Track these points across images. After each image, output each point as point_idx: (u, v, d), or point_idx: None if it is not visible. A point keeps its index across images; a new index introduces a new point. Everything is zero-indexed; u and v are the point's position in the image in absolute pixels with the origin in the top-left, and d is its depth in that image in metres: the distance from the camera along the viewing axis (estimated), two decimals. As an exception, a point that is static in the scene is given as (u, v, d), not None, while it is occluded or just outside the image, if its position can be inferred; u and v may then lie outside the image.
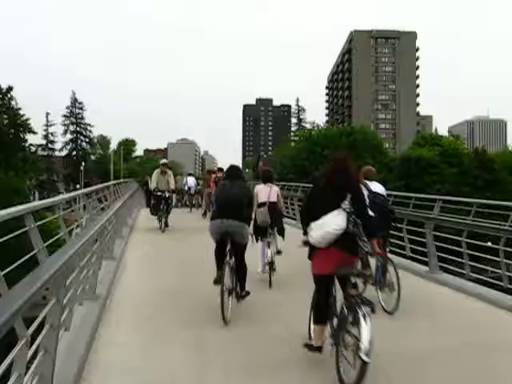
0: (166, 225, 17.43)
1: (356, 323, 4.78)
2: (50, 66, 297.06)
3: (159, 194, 17.22)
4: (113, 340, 6.31)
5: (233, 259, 7.74)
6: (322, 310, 5.50)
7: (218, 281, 7.44)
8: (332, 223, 5.27)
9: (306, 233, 5.57)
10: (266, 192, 10.13)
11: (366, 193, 7.17)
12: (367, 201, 6.45)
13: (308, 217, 5.56)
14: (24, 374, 3.46)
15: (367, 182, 8.32)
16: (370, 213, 6.23)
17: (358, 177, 7.10)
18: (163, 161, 19.17)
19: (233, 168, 8.76)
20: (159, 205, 17.30)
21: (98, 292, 7.87)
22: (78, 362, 5.17)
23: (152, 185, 17.52)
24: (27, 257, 4.64)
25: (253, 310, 7.78)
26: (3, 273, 3.76)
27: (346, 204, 5.34)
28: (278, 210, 10.26)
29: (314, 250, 5.47)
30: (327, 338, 5.45)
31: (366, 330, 4.65)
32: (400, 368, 5.54)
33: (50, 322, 4.18)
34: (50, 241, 5.86)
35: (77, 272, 6.17)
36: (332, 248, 5.30)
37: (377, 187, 8.42)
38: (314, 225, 5.38)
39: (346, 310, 5.08)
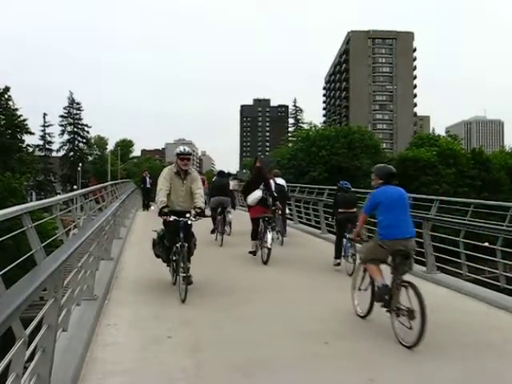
0: (188, 282, 8.28)
1: (265, 233, 11.63)
2: (49, 65, 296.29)
3: (172, 219, 8.64)
4: (111, 340, 6.30)
5: (222, 216, 15.28)
6: (255, 234, 12.27)
7: (216, 229, 15.17)
8: (257, 194, 12.33)
9: (245, 199, 13.23)
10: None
11: (273, 183, 13.73)
12: (273, 186, 13.40)
13: (246, 193, 12.79)
14: (22, 374, 3.45)
15: (275, 178, 15.61)
16: (275, 193, 12.86)
17: (268, 175, 13.72)
18: (182, 149, 9.10)
19: (221, 171, 17.34)
20: (174, 239, 8.82)
21: (96, 292, 7.86)
22: (76, 362, 5.16)
23: (158, 197, 8.80)
24: (25, 257, 4.64)
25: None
26: (1, 273, 3.75)
27: (261, 187, 12.43)
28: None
29: (250, 207, 12.67)
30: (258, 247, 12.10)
31: (269, 236, 11.50)
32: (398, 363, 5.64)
33: (47, 322, 4.18)
34: (48, 241, 5.85)
35: (75, 272, 6.16)
36: (257, 205, 12.35)
37: (280, 181, 16.29)
38: (249, 196, 12.47)
39: (263, 230, 11.83)
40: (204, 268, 9.93)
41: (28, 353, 3.71)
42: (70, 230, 8.65)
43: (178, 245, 8.58)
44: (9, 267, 4.12)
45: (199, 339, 6.47)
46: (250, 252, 12.14)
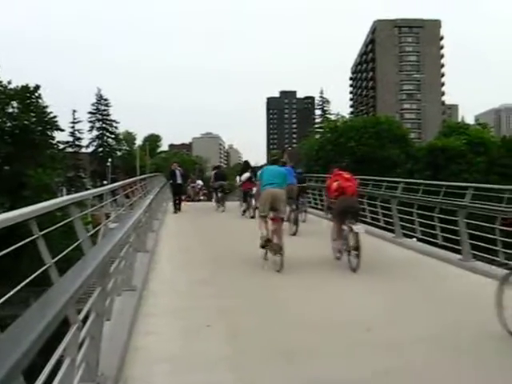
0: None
1: (251, 199, 19.66)
2: (76, 63, 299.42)
3: None
4: (152, 329, 6.42)
5: (221, 194, 24.07)
6: (244, 198, 20.85)
7: (217, 202, 24.40)
8: (246, 175, 20.72)
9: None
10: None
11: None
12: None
13: (240, 175, 21.88)
14: (76, 359, 3.55)
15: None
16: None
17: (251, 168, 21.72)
18: None
19: (219, 165, 29.08)
20: None
21: (135, 283, 8.00)
22: (121, 351, 5.28)
23: None
24: (74, 246, 4.75)
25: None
26: (53, 261, 3.85)
27: (249, 172, 20.62)
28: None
29: (242, 183, 21.06)
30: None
31: (253, 201, 18.47)
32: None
33: (96, 310, 4.29)
34: (93, 231, 5.98)
35: (117, 263, 6.28)
36: (246, 182, 20.41)
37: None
38: (242, 176, 21.17)
39: (249, 198, 20.01)
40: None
41: (80, 340, 3.81)
42: (105, 223, 8.72)
43: None
44: (61, 255, 4.22)
45: (238, 327, 6.56)
46: (243, 213, 20.92)
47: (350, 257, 10.02)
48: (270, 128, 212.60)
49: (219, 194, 24.24)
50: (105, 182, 70.08)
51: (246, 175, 20.81)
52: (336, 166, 12.74)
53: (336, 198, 10.98)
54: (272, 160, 12.99)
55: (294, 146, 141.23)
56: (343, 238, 10.44)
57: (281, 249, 9.85)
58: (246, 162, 23.50)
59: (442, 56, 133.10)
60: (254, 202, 17.79)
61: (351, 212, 10.55)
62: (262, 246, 10.52)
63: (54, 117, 52.96)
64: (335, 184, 11.01)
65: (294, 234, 14.73)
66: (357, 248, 9.78)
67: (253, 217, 18.22)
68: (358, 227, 10.10)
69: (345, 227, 10.39)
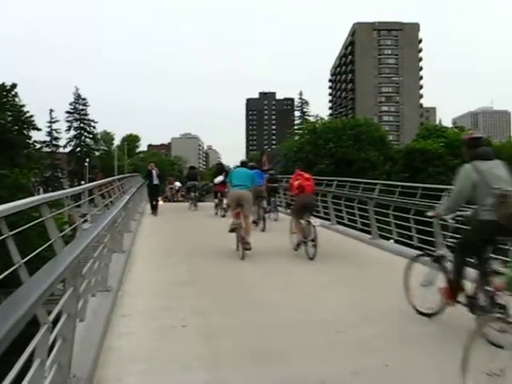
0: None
1: (222, 200, 21.24)
2: (52, 63, 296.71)
3: None
4: (126, 330, 6.38)
5: (196, 193, 25.63)
6: (216, 196, 22.15)
7: (191, 201, 25.40)
8: (219, 178, 21.20)
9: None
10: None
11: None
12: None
13: (214, 177, 22.70)
14: (45, 360, 3.51)
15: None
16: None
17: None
18: None
19: (193, 167, 30.02)
20: None
21: (110, 284, 7.94)
22: (94, 352, 5.23)
23: None
24: (45, 246, 4.69)
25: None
26: (23, 261, 3.80)
27: (223, 175, 20.64)
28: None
29: (215, 185, 21.79)
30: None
31: (224, 200, 19.45)
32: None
33: (67, 311, 4.24)
34: (66, 231, 5.92)
35: (91, 263, 6.23)
36: (219, 184, 20.88)
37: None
38: (216, 179, 21.83)
39: (220, 198, 21.57)
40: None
41: (50, 341, 3.76)
42: (80, 222, 8.65)
43: None
44: (31, 255, 4.17)
45: (213, 328, 6.54)
46: (216, 212, 21.60)
47: (307, 247, 11.35)
48: (250, 129, 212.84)
49: (191, 194, 25.71)
50: (82, 182, 69.53)
51: (220, 178, 21.33)
52: (298, 166, 14.79)
53: (297, 196, 12.40)
54: (240, 163, 13.97)
55: (274, 147, 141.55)
56: (301, 231, 11.66)
57: (248, 243, 11.36)
58: (220, 165, 25.40)
59: (421, 59, 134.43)
60: (225, 201, 18.34)
61: (309, 208, 12.09)
62: (232, 230, 11.76)
63: (31, 116, 52.53)
64: (296, 183, 12.33)
65: (263, 231, 15.97)
66: (314, 239, 11.17)
67: (224, 216, 19.30)
68: (315, 221, 11.64)
69: (302, 221, 11.72)
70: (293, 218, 12.30)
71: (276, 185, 20.60)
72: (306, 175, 12.57)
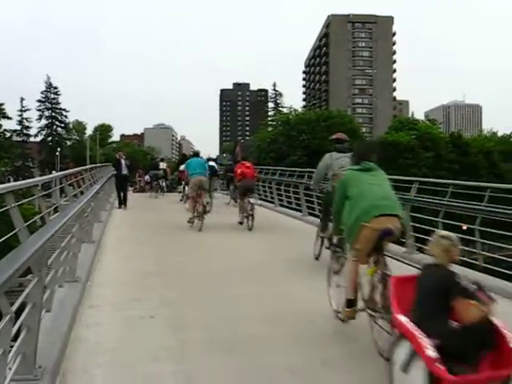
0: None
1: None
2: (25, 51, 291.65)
3: None
4: (94, 321, 6.33)
5: (163, 183, 29.32)
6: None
7: (150, 189, 29.48)
8: (183, 167, 18.11)
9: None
10: None
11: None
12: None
13: (179, 166, 25.05)
14: (8, 351, 3.47)
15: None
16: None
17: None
18: None
19: (158, 158, 35.58)
20: None
21: (78, 274, 7.85)
22: (61, 342, 5.18)
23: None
24: (9, 235, 4.62)
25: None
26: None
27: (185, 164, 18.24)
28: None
29: (180, 172, 23.16)
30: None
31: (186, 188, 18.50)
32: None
33: (32, 301, 4.19)
34: (32, 220, 5.83)
35: (58, 253, 6.15)
36: (182, 173, 20.46)
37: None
38: (182, 167, 21.30)
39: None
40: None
41: (13, 331, 3.71)
42: (50, 212, 8.53)
43: None
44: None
45: (181, 318, 6.52)
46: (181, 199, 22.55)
47: (248, 220, 14.30)
48: (224, 120, 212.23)
49: (154, 183, 28.95)
50: (53, 172, 68.66)
51: (183, 167, 22.34)
52: (243, 158, 18.95)
53: (240, 181, 15.49)
54: (193, 153, 17.31)
55: (247, 138, 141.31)
56: (244, 208, 14.74)
57: (204, 212, 14.30)
58: (184, 155, 28.87)
59: (394, 52, 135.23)
60: (186, 188, 19.21)
61: (249, 190, 15.23)
62: (191, 222, 14.52)
63: (1, 104, 51.77)
64: (239, 171, 15.63)
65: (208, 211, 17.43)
66: (252, 215, 14.21)
67: (181, 200, 22.01)
68: (253, 200, 15.12)
69: (245, 201, 14.72)
70: (238, 199, 15.71)
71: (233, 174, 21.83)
72: (248, 164, 15.99)
